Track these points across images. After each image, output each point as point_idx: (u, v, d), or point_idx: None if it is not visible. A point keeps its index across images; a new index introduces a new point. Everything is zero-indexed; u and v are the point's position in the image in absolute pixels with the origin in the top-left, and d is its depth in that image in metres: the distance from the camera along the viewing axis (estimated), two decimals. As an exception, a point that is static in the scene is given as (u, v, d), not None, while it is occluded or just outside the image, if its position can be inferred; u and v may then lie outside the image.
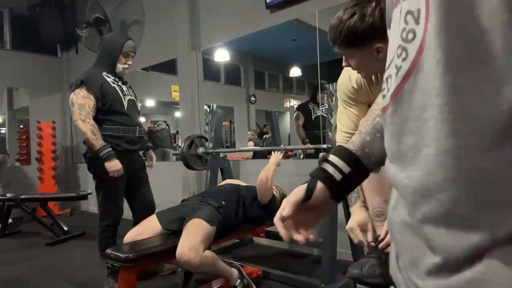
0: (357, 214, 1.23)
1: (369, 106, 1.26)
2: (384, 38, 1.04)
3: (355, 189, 1.26)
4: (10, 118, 6.37)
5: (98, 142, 2.28)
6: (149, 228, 2.03)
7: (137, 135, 2.52)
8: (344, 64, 1.17)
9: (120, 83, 2.48)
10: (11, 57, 5.48)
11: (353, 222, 1.22)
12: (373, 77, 1.23)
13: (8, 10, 5.56)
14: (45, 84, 5.77)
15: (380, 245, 1.12)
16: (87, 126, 2.27)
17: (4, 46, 5.56)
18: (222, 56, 5.73)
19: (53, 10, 5.10)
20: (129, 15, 4.67)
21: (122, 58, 2.45)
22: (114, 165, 2.30)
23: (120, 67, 2.46)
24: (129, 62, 2.50)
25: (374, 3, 1.02)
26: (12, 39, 5.58)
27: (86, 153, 2.44)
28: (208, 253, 1.85)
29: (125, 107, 2.44)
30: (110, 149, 2.30)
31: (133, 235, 2.00)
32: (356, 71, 1.23)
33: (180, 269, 2.24)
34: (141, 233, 1.99)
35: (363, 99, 1.28)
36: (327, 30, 1.12)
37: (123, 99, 2.44)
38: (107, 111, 2.38)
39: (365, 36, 1.03)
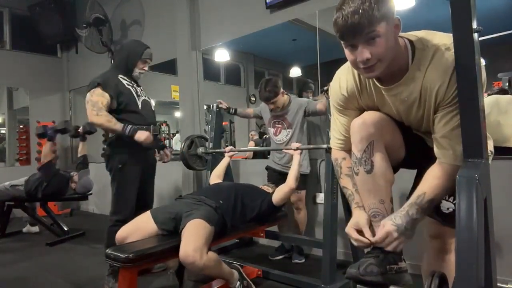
0: (353, 216, 1.23)
1: (360, 111, 1.26)
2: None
3: (350, 191, 1.27)
4: (10, 118, 6.37)
5: (117, 125, 2.35)
6: (142, 227, 1.96)
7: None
8: (351, 57, 1.05)
9: (135, 85, 2.57)
10: (11, 57, 5.48)
11: (348, 225, 1.22)
12: (366, 82, 1.21)
13: (8, 10, 5.55)
14: (45, 84, 5.77)
15: (373, 240, 1.11)
16: (101, 118, 2.33)
17: (4, 46, 5.55)
18: (222, 56, 5.72)
19: (53, 10, 5.09)
20: (129, 15, 4.67)
21: (140, 63, 2.57)
22: (142, 135, 2.37)
23: (137, 71, 2.57)
24: (146, 68, 2.62)
25: None
26: (12, 39, 5.58)
27: (105, 152, 2.53)
28: (211, 254, 1.83)
29: (139, 107, 2.51)
30: (132, 125, 2.38)
31: (124, 233, 1.92)
32: (345, 80, 1.22)
33: (170, 270, 2.21)
34: (133, 232, 1.92)
35: (353, 105, 1.29)
36: (335, 25, 1.02)
37: (137, 99, 2.52)
38: (123, 110, 2.44)
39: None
